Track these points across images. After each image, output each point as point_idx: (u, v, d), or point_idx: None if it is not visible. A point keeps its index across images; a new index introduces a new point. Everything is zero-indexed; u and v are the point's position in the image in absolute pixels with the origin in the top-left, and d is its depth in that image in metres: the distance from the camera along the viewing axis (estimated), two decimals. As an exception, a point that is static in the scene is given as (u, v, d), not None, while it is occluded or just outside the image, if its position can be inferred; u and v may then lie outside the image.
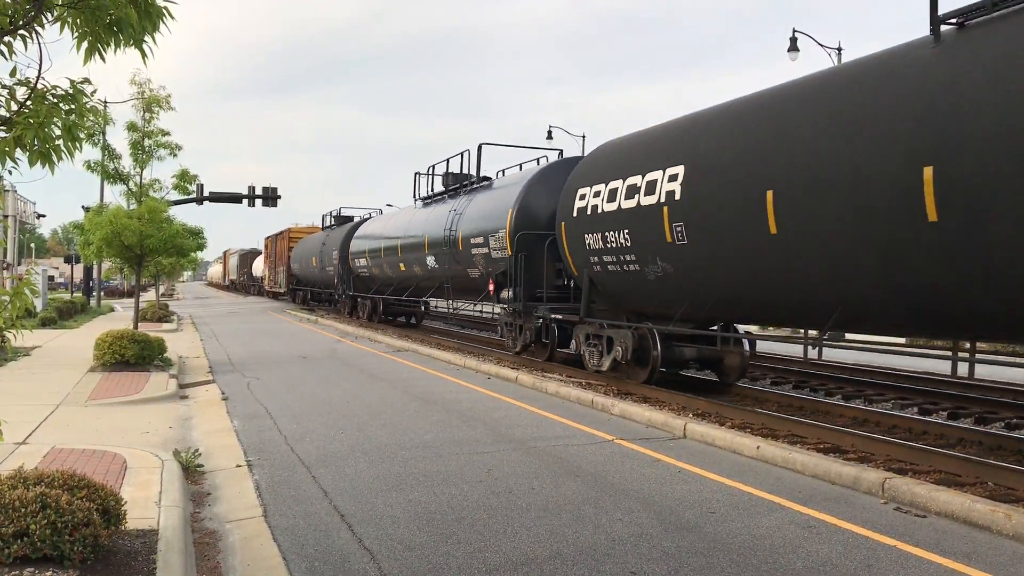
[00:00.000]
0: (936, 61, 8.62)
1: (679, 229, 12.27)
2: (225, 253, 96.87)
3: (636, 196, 13.33)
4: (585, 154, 17.56)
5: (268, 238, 59.13)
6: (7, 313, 4.74)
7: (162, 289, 60.74)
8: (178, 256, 22.65)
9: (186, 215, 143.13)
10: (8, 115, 4.42)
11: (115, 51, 4.68)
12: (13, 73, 4.48)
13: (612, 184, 14.17)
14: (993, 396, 12.90)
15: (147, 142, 20.19)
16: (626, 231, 13.68)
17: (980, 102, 7.99)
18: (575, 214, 15.38)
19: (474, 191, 22.24)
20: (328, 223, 43.15)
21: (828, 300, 10.12)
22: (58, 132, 4.50)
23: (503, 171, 22.40)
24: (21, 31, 4.48)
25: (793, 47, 27.51)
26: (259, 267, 66.89)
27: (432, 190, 25.97)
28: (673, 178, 12.42)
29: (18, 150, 4.45)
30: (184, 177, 20.77)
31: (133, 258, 20.42)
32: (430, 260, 23.88)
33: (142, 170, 20.65)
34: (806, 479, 8.54)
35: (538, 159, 20.29)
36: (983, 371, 15.03)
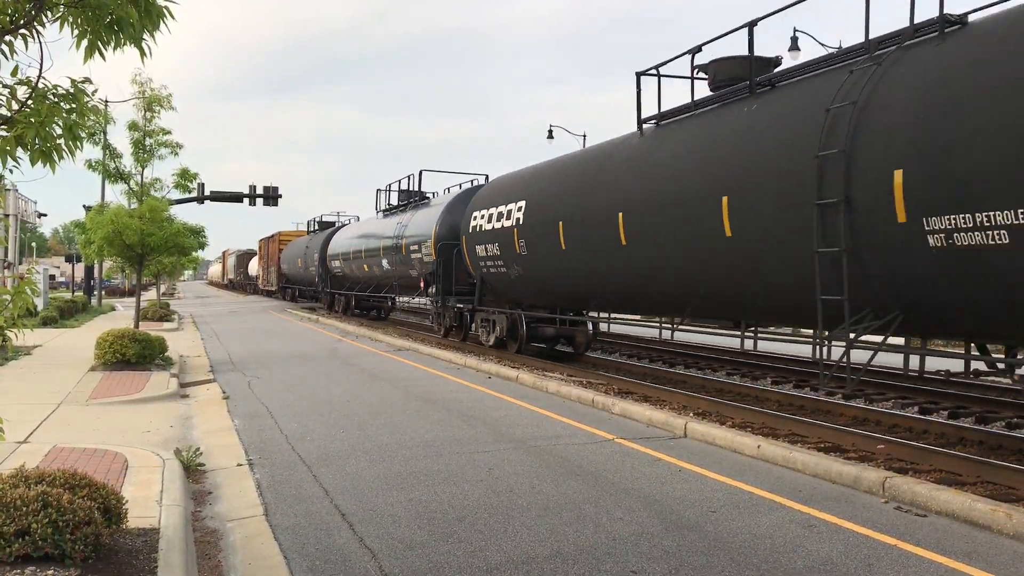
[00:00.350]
0: (639, 145, 14.11)
1: (523, 244, 17.59)
2: (224, 253, 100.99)
3: (502, 220, 18.53)
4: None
5: (261, 240, 63.89)
6: (8, 312, 4.75)
7: (163, 288, 60.80)
8: (179, 255, 22.67)
9: (187, 214, 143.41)
10: (9, 114, 4.42)
11: (115, 50, 4.68)
12: (14, 72, 4.48)
13: (490, 211, 19.30)
14: (993, 396, 12.89)
15: (148, 141, 20.22)
16: (497, 244, 18.81)
17: (660, 171, 13.01)
18: (471, 230, 20.42)
19: (417, 207, 27.44)
20: (312, 228, 48.79)
21: (592, 291, 15.91)
22: (59, 131, 4.50)
23: (447, 189, 26.81)
24: (22, 30, 4.48)
25: (794, 46, 27.49)
26: (254, 267, 71.34)
27: (390, 203, 31.15)
28: (519, 209, 17.83)
29: (19, 149, 4.45)
30: (185, 175, 20.79)
31: (134, 257, 20.45)
32: (384, 262, 29.16)
33: (143, 169, 20.69)
34: (807, 478, 8.54)
35: (471, 180, 25.68)
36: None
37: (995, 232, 7.68)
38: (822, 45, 27.39)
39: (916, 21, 9.23)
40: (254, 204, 48.38)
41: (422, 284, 24.85)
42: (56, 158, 4.51)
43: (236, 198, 48.49)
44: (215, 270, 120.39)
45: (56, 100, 4.51)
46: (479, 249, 19.79)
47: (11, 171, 4.59)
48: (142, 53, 4.66)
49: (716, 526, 6.89)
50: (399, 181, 29.80)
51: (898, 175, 8.50)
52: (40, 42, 4.48)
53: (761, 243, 10.61)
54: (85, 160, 20.44)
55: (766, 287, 10.98)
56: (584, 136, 41.71)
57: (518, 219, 17.70)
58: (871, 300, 9.27)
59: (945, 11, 8.81)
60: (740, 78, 11.99)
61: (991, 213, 7.68)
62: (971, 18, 8.84)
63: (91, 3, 4.42)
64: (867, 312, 9.30)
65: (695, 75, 13.00)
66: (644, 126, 14.22)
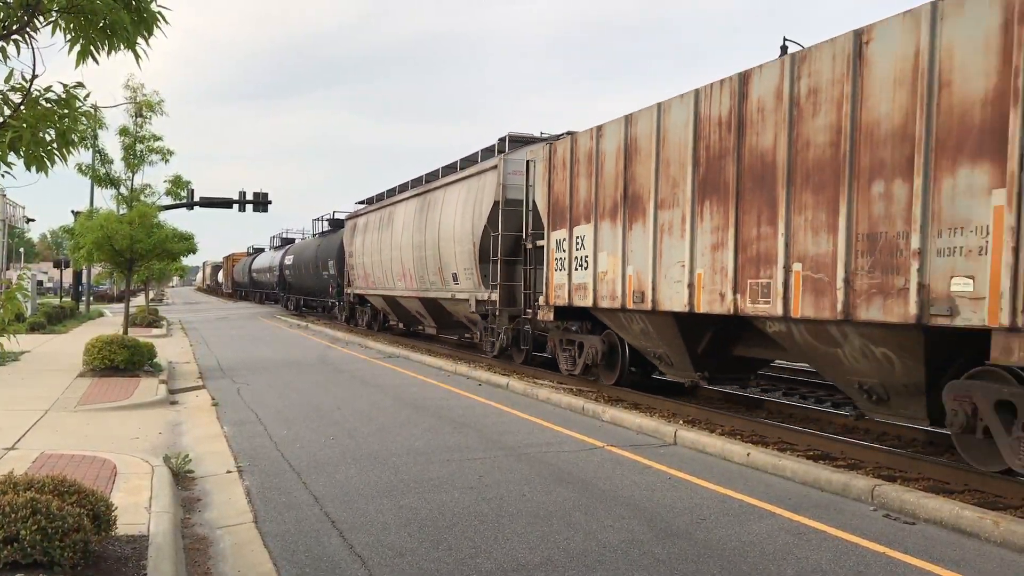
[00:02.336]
0: (313, 242, 45.33)
1: (293, 270, 47.37)
2: (203, 264, 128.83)
3: (291, 261, 47.90)
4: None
5: (224, 257, 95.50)
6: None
7: (152, 294, 60.60)
8: (168, 260, 22.60)
9: (178, 220, 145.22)
10: (2, 119, 4.41)
11: (108, 54, 4.68)
12: (8, 78, 4.48)
13: (288, 257, 49.51)
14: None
15: (139, 147, 20.18)
16: (288, 270, 48.83)
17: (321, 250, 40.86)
18: (284, 263, 49.98)
19: (284, 246, 57.31)
20: (250, 251, 78.63)
21: (306, 290, 45.66)
22: (52, 137, 4.49)
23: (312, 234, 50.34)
24: (15, 35, 4.48)
25: (784, 53, 27.88)
26: (221, 276, 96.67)
27: (280, 241, 62.24)
28: (292, 257, 47.93)
29: (12, 154, 4.44)
30: (177, 183, 20.77)
31: (123, 262, 20.36)
32: (267, 275, 56.19)
33: (133, 174, 20.64)
34: (796, 486, 8.57)
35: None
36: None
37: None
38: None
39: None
40: (244, 210, 48.09)
41: (276, 286, 54.45)
42: (49, 163, 4.50)
43: (226, 204, 48.12)
44: (200, 277, 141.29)
45: (49, 105, 4.51)
46: (287, 272, 48.66)
47: (3, 176, 4.58)
48: (137, 57, 4.67)
49: (706, 534, 6.91)
50: (281, 232, 62.77)
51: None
52: (33, 47, 4.48)
53: (310, 277, 41.52)
54: (76, 164, 20.37)
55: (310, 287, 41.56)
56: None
57: (291, 262, 46.43)
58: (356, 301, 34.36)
59: None
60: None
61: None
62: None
63: (84, 8, 4.42)
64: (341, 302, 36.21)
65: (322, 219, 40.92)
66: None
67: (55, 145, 4.50)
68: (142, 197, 20.67)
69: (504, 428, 11.61)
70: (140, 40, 4.68)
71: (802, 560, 6.28)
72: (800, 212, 9.69)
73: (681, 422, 11.81)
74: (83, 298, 46.30)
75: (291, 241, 58.01)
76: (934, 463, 9.13)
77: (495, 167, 18.93)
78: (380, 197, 30.43)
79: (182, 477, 8.61)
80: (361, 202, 33.31)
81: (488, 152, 20.67)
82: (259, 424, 11.76)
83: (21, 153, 4.43)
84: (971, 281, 7.74)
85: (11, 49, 4.54)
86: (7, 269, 40.01)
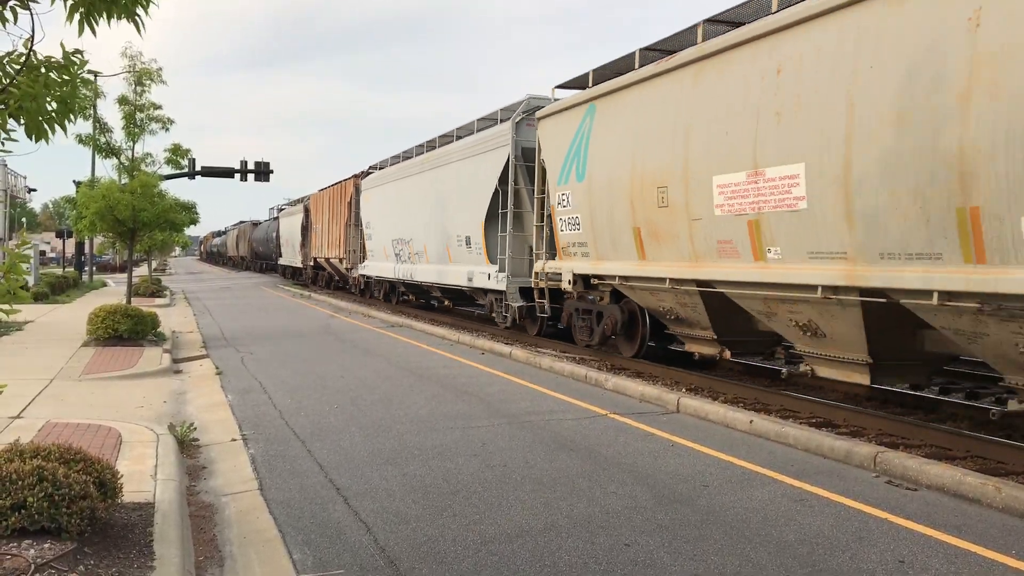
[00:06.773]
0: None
1: (220, 248, 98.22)
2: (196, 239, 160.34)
3: (222, 241, 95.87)
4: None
5: (206, 235, 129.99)
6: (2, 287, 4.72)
7: (154, 264, 60.70)
8: (171, 231, 22.55)
9: (180, 190, 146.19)
10: (2, 87, 4.37)
11: (108, 22, 4.62)
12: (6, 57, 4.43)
13: (223, 240, 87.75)
14: (983, 371, 12.94)
15: (139, 116, 20.06)
16: (219, 247, 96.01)
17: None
18: (222, 243, 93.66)
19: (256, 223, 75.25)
20: (214, 231, 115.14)
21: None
22: (53, 105, 4.45)
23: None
24: (12, 2, 4.42)
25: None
26: (203, 248, 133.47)
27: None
28: (223, 239, 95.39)
29: (11, 122, 4.41)
30: (177, 151, 20.66)
31: (126, 232, 20.31)
32: (216, 248, 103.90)
33: (134, 144, 20.55)
34: (799, 453, 8.61)
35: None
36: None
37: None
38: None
39: None
40: (245, 179, 47.81)
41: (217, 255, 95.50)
42: (50, 131, 4.46)
43: (227, 173, 47.93)
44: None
45: (47, 72, 4.46)
46: (222, 248, 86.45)
47: (3, 143, 4.55)
48: (137, 27, 4.61)
49: (709, 500, 6.94)
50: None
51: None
52: (32, 13, 4.42)
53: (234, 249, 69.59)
54: (76, 135, 20.26)
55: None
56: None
57: (222, 241, 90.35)
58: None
59: None
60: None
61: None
62: None
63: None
64: None
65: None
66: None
67: (55, 113, 4.46)
68: (143, 166, 20.56)
69: (507, 396, 11.65)
70: (139, 9, 4.63)
71: (804, 526, 6.31)
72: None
73: (684, 390, 11.83)
74: (86, 268, 46.32)
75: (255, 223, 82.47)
76: (936, 430, 9.15)
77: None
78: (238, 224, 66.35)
79: (187, 445, 8.66)
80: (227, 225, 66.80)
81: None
82: (263, 393, 11.81)
83: (21, 121, 4.39)
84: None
85: (8, 15, 4.49)
86: (10, 239, 39.97)
